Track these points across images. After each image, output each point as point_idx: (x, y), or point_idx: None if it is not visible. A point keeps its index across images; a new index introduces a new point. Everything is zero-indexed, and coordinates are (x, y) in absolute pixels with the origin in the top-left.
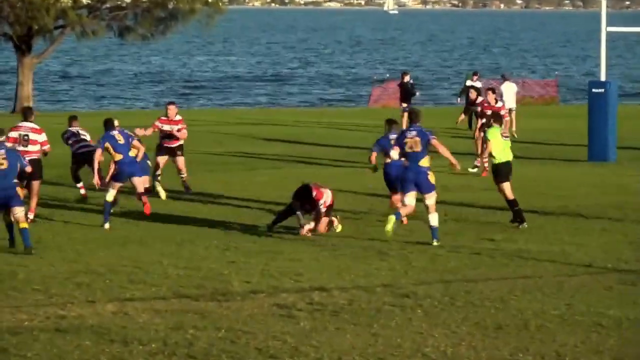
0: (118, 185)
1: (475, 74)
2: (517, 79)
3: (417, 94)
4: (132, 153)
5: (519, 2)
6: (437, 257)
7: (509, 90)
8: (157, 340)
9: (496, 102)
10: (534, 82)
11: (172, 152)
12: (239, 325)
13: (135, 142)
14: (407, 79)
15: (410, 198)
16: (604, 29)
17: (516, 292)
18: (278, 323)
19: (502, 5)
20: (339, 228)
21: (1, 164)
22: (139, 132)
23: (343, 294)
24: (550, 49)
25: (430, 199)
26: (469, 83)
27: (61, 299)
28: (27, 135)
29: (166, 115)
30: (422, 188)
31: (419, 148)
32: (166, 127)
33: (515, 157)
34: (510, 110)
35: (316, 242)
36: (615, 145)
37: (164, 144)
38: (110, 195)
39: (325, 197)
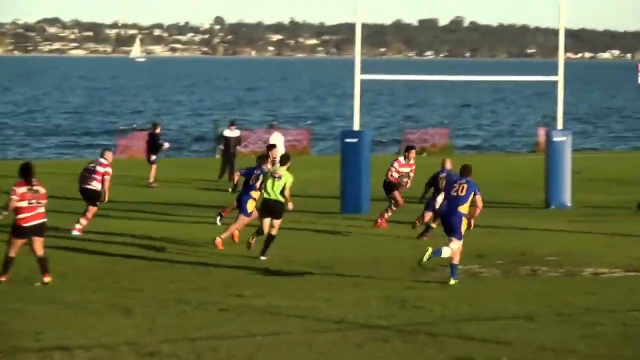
0: None
1: (232, 123)
2: (284, 129)
3: (166, 145)
4: None
5: (271, 49)
6: (184, 314)
7: (278, 140)
8: None
9: None
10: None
11: None
12: None
13: None
14: (158, 130)
15: None
16: (358, 76)
17: (264, 349)
18: None
19: (253, 53)
20: None
21: None
22: None
23: (85, 354)
24: (302, 97)
25: None
26: (227, 133)
27: None
28: None
29: None
30: None
31: None
32: None
33: None
34: None
35: (57, 300)
36: (369, 196)
37: None
38: None
39: None
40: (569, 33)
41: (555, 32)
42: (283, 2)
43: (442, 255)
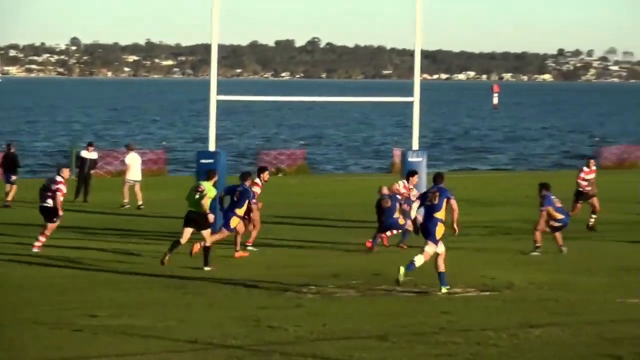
0: None
1: (90, 144)
2: (140, 150)
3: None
4: None
5: (127, 69)
6: (39, 336)
7: (134, 162)
8: None
9: None
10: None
11: None
12: None
13: None
14: (12, 149)
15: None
16: (214, 97)
17: None
18: None
19: (109, 73)
20: None
21: None
22: None
23: None
24: (158, 118)
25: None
26: (83, 154)
27: None
28: None
29: None
30: None
31: None
32: None
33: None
34: (135, 182)
35: None
36: None
37: None
38: None
39: None
40: (425, 54)
41: (411, 53)
42: (139, 23)
43: (416, 266)
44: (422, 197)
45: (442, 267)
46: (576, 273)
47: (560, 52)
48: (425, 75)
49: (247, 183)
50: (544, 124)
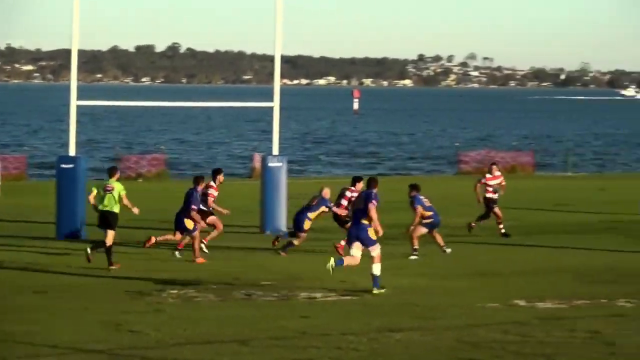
0: None
1: None
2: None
3: None
4: None
5: None
6: None
7: None
8: None
9: None
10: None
11: None
12: None
13: None
14: None
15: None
16: (74, 102)
17: None
18: None
19: None
20: None
21: None
22: None
23: None
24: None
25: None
26: None
27: None
28: None
29: None
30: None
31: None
32: None
33: None
34: None
35: None
36: (84, 221)
37: None
38: None
39: None
40: (286, 59)
41: (271, 59)
42: None
43: (344, 265)
44: (352, 202)
45: (376, 270)
46: (438, 277)
47: (421, 58)
48: (285, 81)
49: (200, 187)
50: (409, 129)
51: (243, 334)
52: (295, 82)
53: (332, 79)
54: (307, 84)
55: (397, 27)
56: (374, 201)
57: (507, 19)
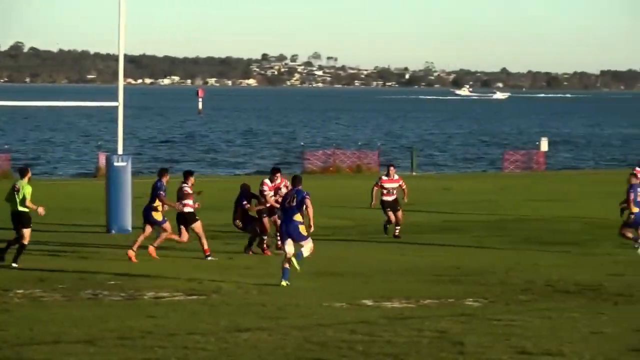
0: None
1: None
2: None
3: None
4: None
5: None
6: None
7: None
8: None
9: None
10: None
11: None
12: None
13: None
14: None
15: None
16: None
17: None
18: None
19: None
20: None
21: None
22: None
23: None
24: None
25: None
26: None
27: None
28: None
29: None
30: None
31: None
32: None
33: None
34: None
35: None
36: None
37: None
38: None
39: None
40: (129, 58)
41: (115, 58)
42: None
43: (303, 256)
44: (282, 200)
45: (286, 264)
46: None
47: (265, 57)
48: (129, 80)
49: (165, 179)
50: (262, 128)
51: (90, 334)
52: (140, 81)
53: (176, 78)
54: (151, 84)
55: (241, 26)
56: (307, 197)
57: (351, 18)
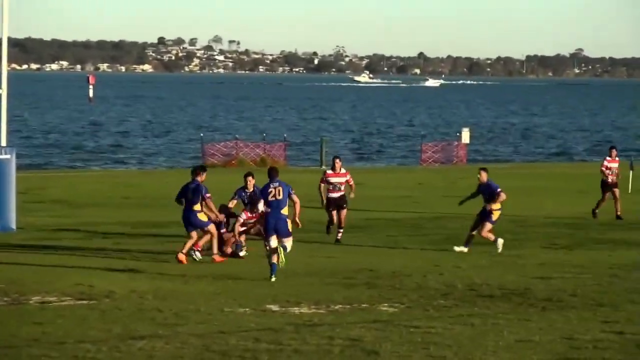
0: None
1: None
2: None
3: None
4: None
5: None
6: None
7: None
8: None
9: None
10: None
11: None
12: None
13: None
14: None
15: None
16: None
17: None
18: None
19: None
20: None
21: None
22: None
23: None
24: None
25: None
26: None
27: None
28: None
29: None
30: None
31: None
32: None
33: None
34: None
35: None
36: None
37: None
38: None
39: None
40: (14, 42)
41: None
42: None
43: (287, 251)
44: (264, 194)
45: (274, 259)
46: (181, 281)
47: (161, 41)
48: (14, 65)
49: (199, 179)
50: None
51: None
52: (25, 67)
53: (65, 63)
54: (38, 69)
55: (135, 7)
56: (293, 191)
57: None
